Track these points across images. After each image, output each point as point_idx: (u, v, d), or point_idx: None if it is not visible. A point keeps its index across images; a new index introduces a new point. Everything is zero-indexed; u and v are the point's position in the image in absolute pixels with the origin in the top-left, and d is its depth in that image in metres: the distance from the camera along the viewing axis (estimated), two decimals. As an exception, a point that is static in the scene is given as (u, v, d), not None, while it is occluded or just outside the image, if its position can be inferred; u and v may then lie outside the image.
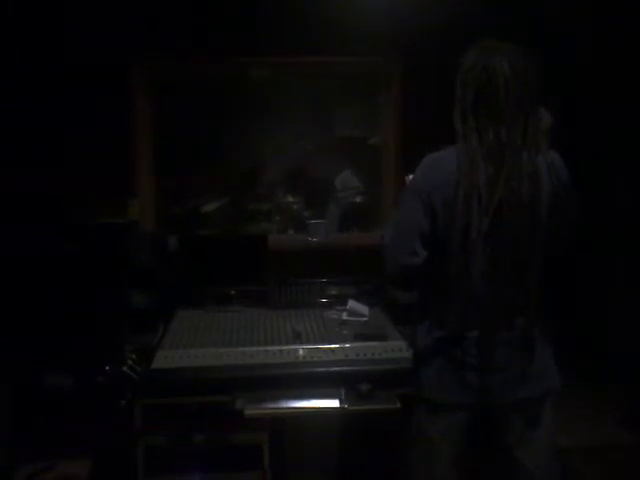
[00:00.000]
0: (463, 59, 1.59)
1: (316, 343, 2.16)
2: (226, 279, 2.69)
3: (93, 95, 2.68)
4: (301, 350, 2.11)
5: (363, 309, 2.50)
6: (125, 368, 1.99)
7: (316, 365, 2.03)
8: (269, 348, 2.12)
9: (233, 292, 2.66)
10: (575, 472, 2.48)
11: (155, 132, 2.94)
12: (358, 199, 3.54)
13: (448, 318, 1.58)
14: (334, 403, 1.90)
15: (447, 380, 1.59)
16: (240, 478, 2.05)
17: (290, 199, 3.63)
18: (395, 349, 2.11)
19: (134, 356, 2.04)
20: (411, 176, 1.83)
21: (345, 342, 2.17)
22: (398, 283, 1.74)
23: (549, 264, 1.58)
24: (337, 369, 2.01)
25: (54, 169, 2.67)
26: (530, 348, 1.58)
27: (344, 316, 2.46)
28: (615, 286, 2.95)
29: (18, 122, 2.64)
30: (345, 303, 2.54)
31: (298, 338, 2.21)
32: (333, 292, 2.70)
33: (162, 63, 2.83)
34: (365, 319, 2.44)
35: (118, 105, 2.74)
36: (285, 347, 2.13)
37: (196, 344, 2.16)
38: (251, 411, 1.88)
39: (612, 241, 2.86)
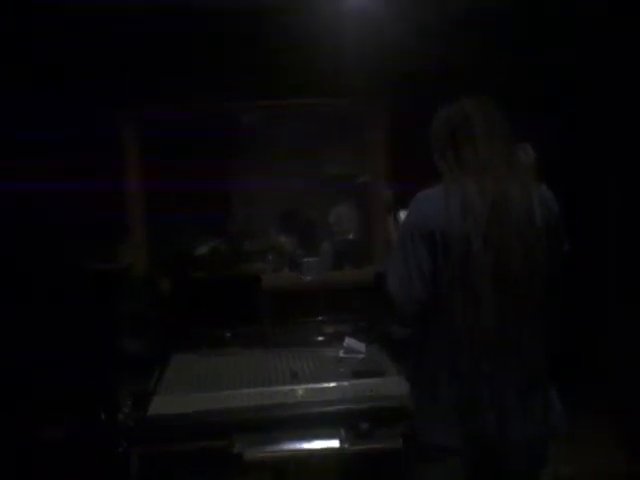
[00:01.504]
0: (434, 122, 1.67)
1: (314, 382, 2.14)
2: (221, 320, 2.67)
3: (84, 139, 2.69)
4: (299, 390, 2.08)
5: (360, 346, 2.49)
6: (121, 415, 1.96)
7: (314, 405, 2.00)
8: (266, 389, 2.10)
9: (228, 334, 2.64)
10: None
11: (146, 176, 2.95)
12: (351, 236, 3.57)
13: (447, 356, 1.55)
14: (334, 443, 1.88)
15: (445, 424, 1.55)
16: (242, 525, 2.00)
17: (283, 239, 3.67)
18: (394, 385, 2.09)
19: (129, 402, 2.01)
20: (402, 212, 1.85)
21: (343, 380, 2.15)
22: (408, 324, 1.72)
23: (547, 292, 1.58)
24: (336, 408, 1.98)
25: (45, 214, 2.67)
26: (533, 388, 1.55)
27: (341, 354, 2.45)
28: (612, 306, 2.96)
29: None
30: (342, 341, 2.53)
31: (295, 378, 2.20)
32: (329, 330, 2.69)
33: (154, 106, 2.87)
34: (362, 356, 2.43)
35: (109, 148, 2.77)
36: (282, 387, 2.11)
37: (192, 389, 2.14)
38: (251, 455, 1.84)
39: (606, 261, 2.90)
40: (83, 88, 2.67)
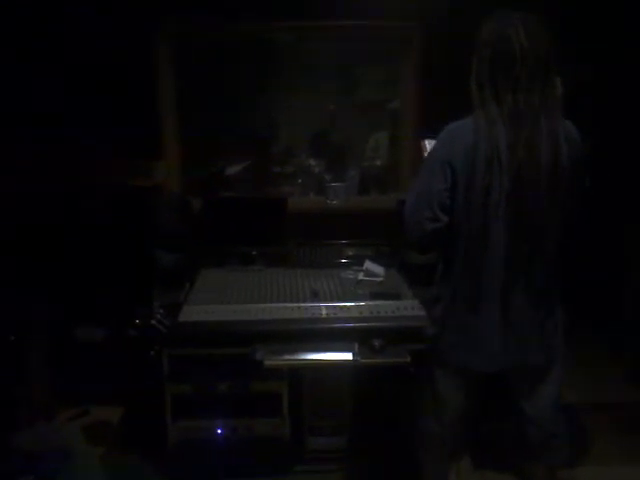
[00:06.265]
0: (479, 33, 1.61)
1: (333, 301, 2.26)
2: (248, 240, 2.78)
3: (118, 59, 2.74)
4: (318, 307, 2.21)
5: (379, 270, 2.58)
6: (154, 321, 2.12)
7: (332, 321, 2.13)
8: (288, 305, 2.23)
9: (255, 252, 2.75)
10: (586, 427, 2.59)
11: (180, 97, 3.00)
12: (379, 162, 3.61)
13: (467, 284, 1.64)
14: (347, 356, 2.02)
15: (463, 346, 1.67)
16: (260, 424, 2.20)
17: (311, 162, 3.72)
18: (408, 307, 2.19)
19: (162, 311, 2.18)
20: (427, 141, 1.89)
21: (360, 300, 2.26)
22: (421, 248, 1.78)
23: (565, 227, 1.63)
24: (352, 325, 2.11)
25: (81, 134, 2.75)
26: (543, 315, 1.64)
27: (360, 276, 2.54)
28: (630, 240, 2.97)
29: (45, 86, 2.70)
30: (362, 264, 2.61)
31: (316, 296, 2.32)
32: (351, 253, 2.79)
33: (189, 26, 2.87)
34: (381, 279, 2.53)
35: (144, 70, 2.81)
36: (303, 304, 2.23)
37: (220, 300, 2.28)
38: (270, 362, 2.00)
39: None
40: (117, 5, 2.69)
